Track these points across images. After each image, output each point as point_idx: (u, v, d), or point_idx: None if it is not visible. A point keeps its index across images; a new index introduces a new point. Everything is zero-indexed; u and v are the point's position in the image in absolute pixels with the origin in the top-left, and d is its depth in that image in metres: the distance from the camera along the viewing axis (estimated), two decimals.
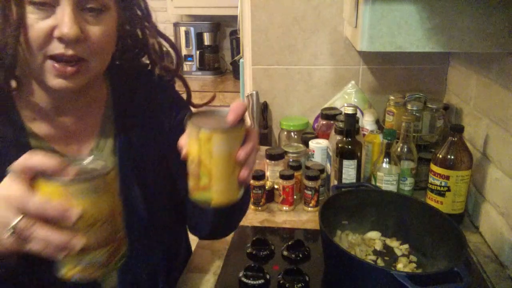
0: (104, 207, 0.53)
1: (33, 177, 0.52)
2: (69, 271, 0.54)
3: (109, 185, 0.54)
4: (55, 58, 0.67)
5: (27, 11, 0.64)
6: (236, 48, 2.90)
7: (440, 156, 1.06)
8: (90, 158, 0.56)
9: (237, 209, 0.85)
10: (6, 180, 0.52)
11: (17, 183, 0.51)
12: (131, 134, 0.83)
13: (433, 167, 1.08)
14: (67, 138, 0.78)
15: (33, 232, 0.50)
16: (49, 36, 0.65)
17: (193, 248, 1.07)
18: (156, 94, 0.88)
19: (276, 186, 1.25)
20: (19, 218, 0.50)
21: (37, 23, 0.65)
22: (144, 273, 0.84)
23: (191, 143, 0.59)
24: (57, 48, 0.66)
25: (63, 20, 0.64)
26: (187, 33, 2.90)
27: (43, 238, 0.50)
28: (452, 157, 1.04)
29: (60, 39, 0.65)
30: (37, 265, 0.62)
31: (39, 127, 0.75)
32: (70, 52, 0.66)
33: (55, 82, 0.68)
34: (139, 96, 0.86)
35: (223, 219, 0.88)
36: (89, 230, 0.52)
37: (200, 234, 0.96)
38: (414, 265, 0.93)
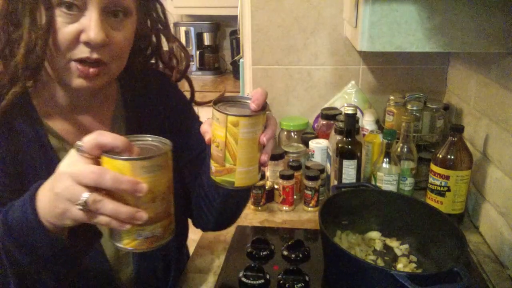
0: (163, 183, 0.57)
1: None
2: (129, 243, 0.57)
3: (168, 162, 0.57)
4: (79, 60, 0.69)
5: (56, 14, 0.66)
6: (236, 48, 2.90)
7: (440, 156, 1.06)
8: (150, 137, 0.60)
9: (243, 198, 0.90)
10: (70, 158, 0.55)
11: (85, 160, 0.53)
12: (140, 131, 0.85)
13: (433, 167, 1.07)
14: (81, 135, 0.81)
15: (102, 206, 0.52)
16: (75, 40, 0.67)
17: (193, 249, 1.07)
18: (164, 92, 0.92)
19: (276, 186, 1.25)
20: (89, 193, 0.52)
21: (65, 27, 0.67)
22: (160, 260, 0.88)
23: (217, 128, 0.62)
24: (83, 52, 0.68)
25: (90, 25, 0.66)
26: (187, 33, 2.89)
27: (111, 211, 0.53)
28: (452, 157, 1.04)
29: (87, 44, 0.67)
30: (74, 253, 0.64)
31: (55, 123, 0.77)
32: (95, 56, 0.69)
33: (77, 82, 0.71)
34: (147, 94, 0.89)
35: (229, 209, 0.90)
36: (150, 205, 0.55)
37: (204, 225, 0.97)
38: (414, 265, 0.93)
